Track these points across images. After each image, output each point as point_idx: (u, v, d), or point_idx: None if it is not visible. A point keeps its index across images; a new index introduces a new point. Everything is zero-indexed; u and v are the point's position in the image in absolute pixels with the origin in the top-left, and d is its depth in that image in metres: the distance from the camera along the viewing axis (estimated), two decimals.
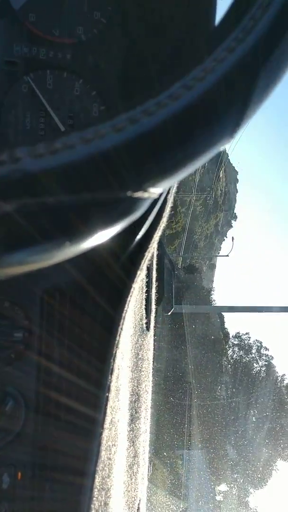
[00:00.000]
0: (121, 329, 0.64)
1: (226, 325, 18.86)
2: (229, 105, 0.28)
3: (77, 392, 0.67)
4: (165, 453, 13.53)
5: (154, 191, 0.28)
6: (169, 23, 0.71)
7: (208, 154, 0.29)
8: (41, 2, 0.72)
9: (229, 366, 17.34)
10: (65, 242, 0.26)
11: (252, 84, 0.29)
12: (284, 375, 17.85)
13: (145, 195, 0.27)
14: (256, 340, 18.83)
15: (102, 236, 0.28)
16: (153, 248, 0.63)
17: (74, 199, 0.24)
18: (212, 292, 20.45)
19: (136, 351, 0.88)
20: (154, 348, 1.04)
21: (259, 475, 16.14)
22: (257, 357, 18.28)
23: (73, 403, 0.67)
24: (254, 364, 18.15)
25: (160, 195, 0.48)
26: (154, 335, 1.04)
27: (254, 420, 16.12)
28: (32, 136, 0.74)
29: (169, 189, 0.54)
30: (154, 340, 1.04)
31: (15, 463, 0.66)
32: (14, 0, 0.70)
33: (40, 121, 0.75)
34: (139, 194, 0.27)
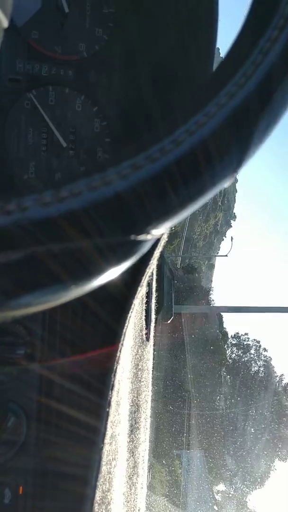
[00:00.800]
0: (122, 344, 0.64)
1: (224, 325, 18.95)
2: (230, 149, 0.29)
3: (78, 403, 0.68)
4: (164, 461, 13.58)
5: (157, 233, 0.29)
6: (170, 41, 0.71)
7: (210, 194, 0.30)
8: (43, 19, 0.72)
9: (229, 362, 17.44)
10: (71, 285, 0.26)
11: (252, 128, 0.29)
12: (282, 375, 17.94)
13: (148, 237, 0.28)
14: (255, 339, 18.92)
15: (105, 277, 0.28)
16: (153, 264, 0.63)
17: (79, 245, 0.25)
18: (211, 292, 20.49)
19: (136, 362, 0.89)
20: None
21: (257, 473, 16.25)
22: (256, 357, 18.35)
23: (74, 413, 0.67)
24: (253, 364, 18.21)
25: None
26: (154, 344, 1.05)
27: (252, 417, 16.21)
28: (35, 151, 0.75)
29: None
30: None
31: (17, 477, 0.67)
32: (17, 17, 0.71)
33: (43, 137, 0.75)
34: (142, 237, 0.28)
